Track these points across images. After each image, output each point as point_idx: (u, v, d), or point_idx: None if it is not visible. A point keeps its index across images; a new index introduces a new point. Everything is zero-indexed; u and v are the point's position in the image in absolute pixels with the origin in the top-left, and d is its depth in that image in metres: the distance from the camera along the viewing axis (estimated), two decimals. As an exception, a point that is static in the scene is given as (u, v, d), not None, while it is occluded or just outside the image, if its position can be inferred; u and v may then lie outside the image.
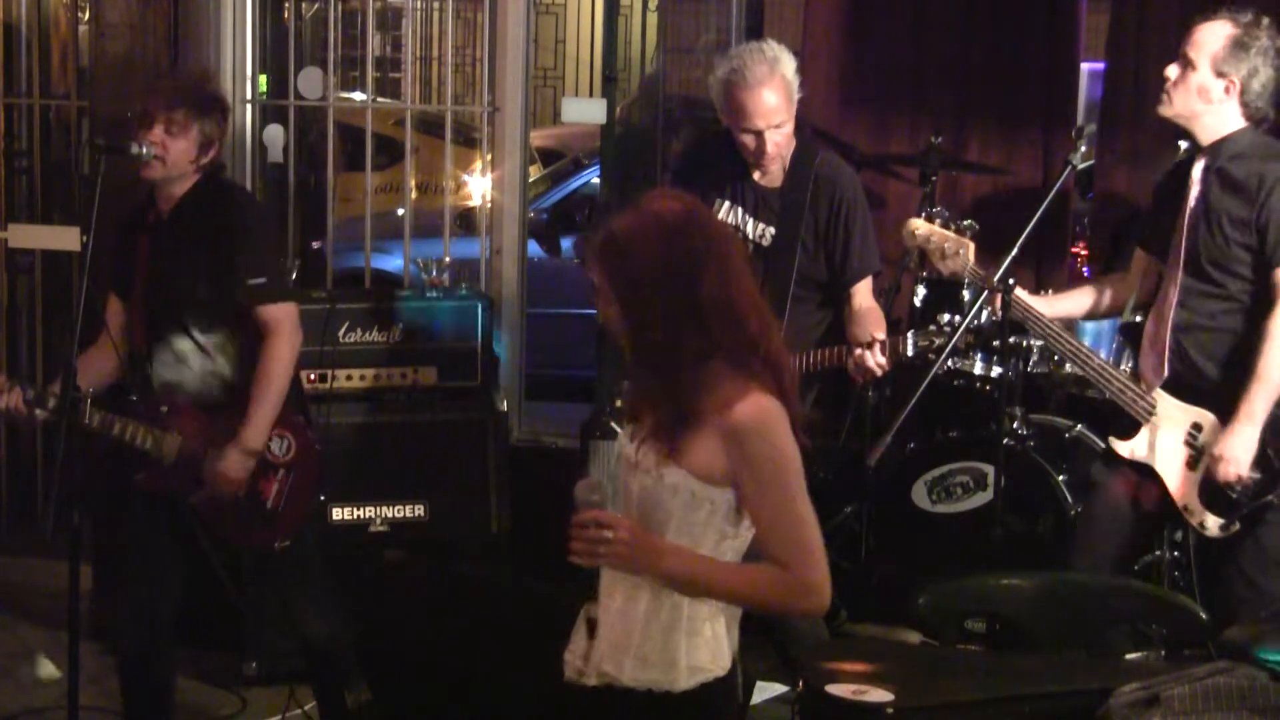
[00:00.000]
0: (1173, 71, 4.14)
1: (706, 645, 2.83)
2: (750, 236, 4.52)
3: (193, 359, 4.16)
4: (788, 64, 4.42)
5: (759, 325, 2.80)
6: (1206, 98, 4.09)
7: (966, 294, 5.06)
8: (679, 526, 2.80)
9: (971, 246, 4.37)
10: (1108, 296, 4.51)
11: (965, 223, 4.90)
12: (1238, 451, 4.05)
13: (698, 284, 2.74)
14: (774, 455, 2.74)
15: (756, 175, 4.52)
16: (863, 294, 4.53)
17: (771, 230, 4.51)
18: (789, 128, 4.43)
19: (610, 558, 2.73)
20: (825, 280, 4.55)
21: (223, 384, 4.18)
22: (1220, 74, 4.07)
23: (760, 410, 2.75)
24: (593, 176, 8.88)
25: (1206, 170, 4.15)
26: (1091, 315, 4.64)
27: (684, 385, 2.76)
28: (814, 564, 2.75)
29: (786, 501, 2.75)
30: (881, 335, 4.34)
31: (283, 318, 4.15)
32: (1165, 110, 4.18)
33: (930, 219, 4.52)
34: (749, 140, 4.41)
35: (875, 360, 4.29)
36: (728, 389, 2.75)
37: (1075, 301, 4.57)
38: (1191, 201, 4.16)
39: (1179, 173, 4.28)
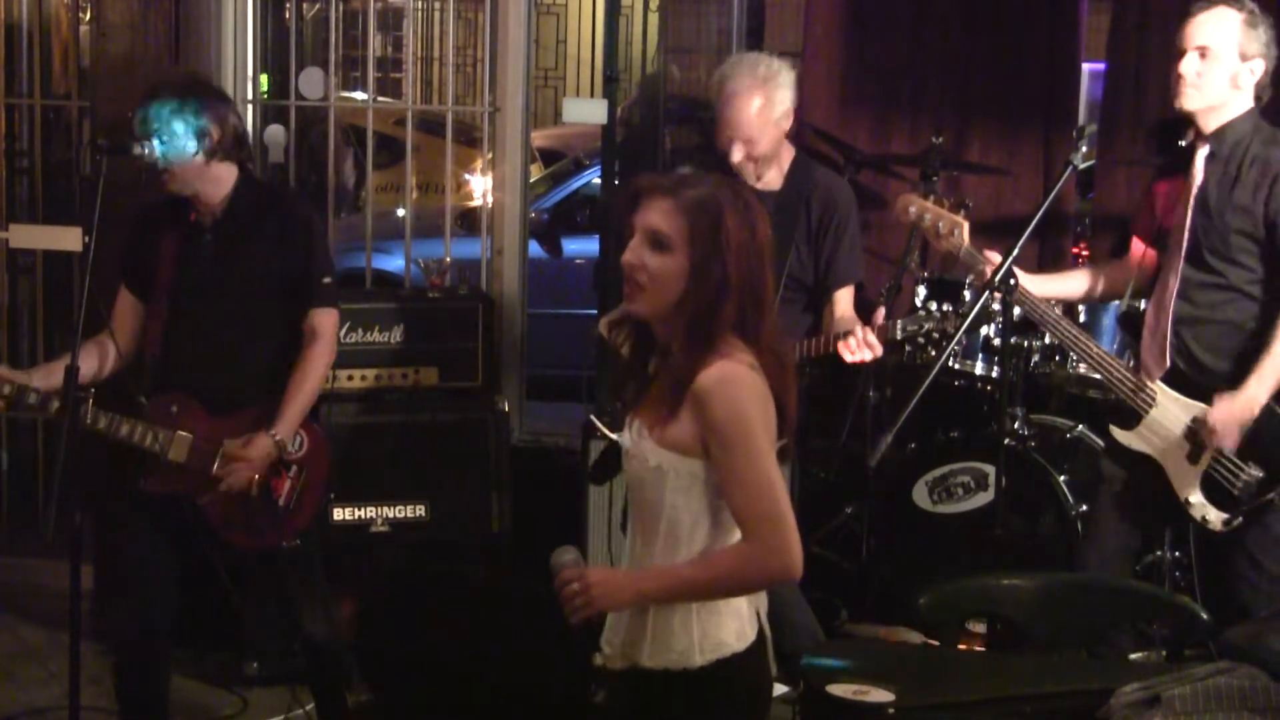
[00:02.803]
0: (1191, 64, 4.11)
1: (726, 623, 2.87)
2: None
3: (216, 361, 4.13)
4: (777, 87, 4.47)
5: (776, 336, 2.89)
6: (1236, 84, 4.11)
7: (968, 294, 5.06)
8: (673, 514, 2.84)
9: (965, 226, 4.37)
10: (1104, 282, 4.52)
11: (960, 202, 4.90)
12: (1228, 423, 4.06)
13: (759, 284, 2.84)
14: (736, 417, 2.77)
15: (753, 179, 4.53)
16: (844, 302, 4.57)
17: None
18: (762, 146, 4.48)
19: (590, 608, 2.82)
20: (812, 284, 4.58)
21: (241, 388, 4.15)
22: (1245, 57, 4.10)
23: (723, 374, 2.78)
24: (593, 177, 8.89)
25: (1210, 157, 4.16)
26: (1087, 299, 4.64)
27: (690, 357, 2.80)
28: (778, 528, 2.76)
29: (750, 464, 2.76)
30: (878, 322, 4.37)
31: (330, 324, 4.19)
32: (1192, 103, 4.15)
33: (925, 195, 4.52)
34: (723, 143, 4.49)
35: (867, 340, 4.30)
36: (707, 359, 2.80)
37: (1071, 283, 4.58)
38: (1194, 190, 4.16)
39: (1179, 161, 4.28)
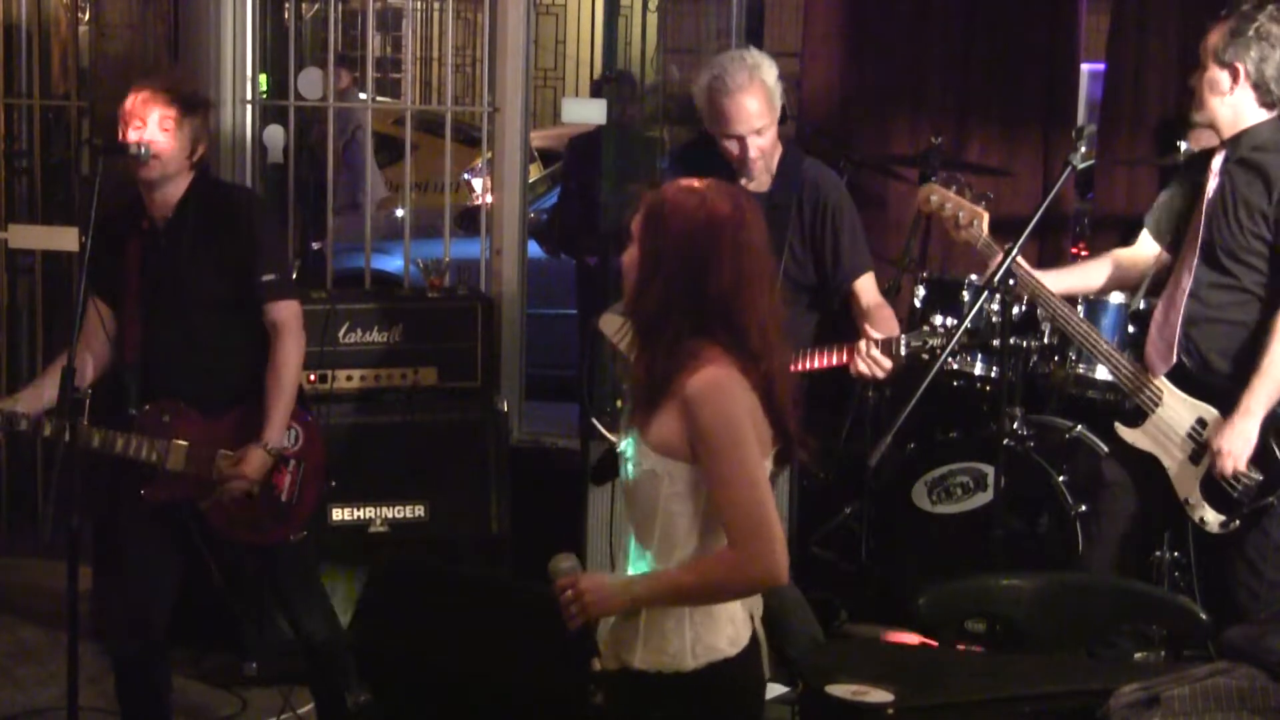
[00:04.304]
0: (1194, 78, 4.19)
1: (720, 628, 2.88)
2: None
3: (197, 363, 4.14)
4: (768, 71, 4.41)
5: (760, 342, 2.85)
6: (1216, 89, 4.13)
7: (967, 295, 5.06)
8: (667, 518, 2.85)
9: (985, 217, 4.37)
10: (1115, 274, 4.50)
11: (981, 194, 4.89)
12: (1236, 446, 4.07)
13: (707, 281, 2.83)
14: (724, 424, 2.78)
15: (743, 180, 4.51)
16: (868, 291, 4.50)
17: None
18: (771, 134, 4.42)
19: (583, 614, 2.86)
20: (813, 284, 4.53)
21: (227, 386, 4.16)
22: (1223, 64, 4.10)
23: (712, 380, 2.80)
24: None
25: (1226, 161, 4.18)
26: (1103, 292, 4.64)
27: (659, 357, 2.83)
28: (762, 534, 2.77)
29: (735, 470, 2.78)
30: (880, 335, 4.34)
31: (290, 316, 4.17)
32: (1197, 116, 4.23)
33: (946, 185, 4.51)
34: (732, 146, 4.41)
35: (871, 354, 4.28)
36: (693, 363, 2.81)
37: (1082, 277, 4.57)
38: (1210, 192, 4.18)
39: (1198, 163, 4.30)
